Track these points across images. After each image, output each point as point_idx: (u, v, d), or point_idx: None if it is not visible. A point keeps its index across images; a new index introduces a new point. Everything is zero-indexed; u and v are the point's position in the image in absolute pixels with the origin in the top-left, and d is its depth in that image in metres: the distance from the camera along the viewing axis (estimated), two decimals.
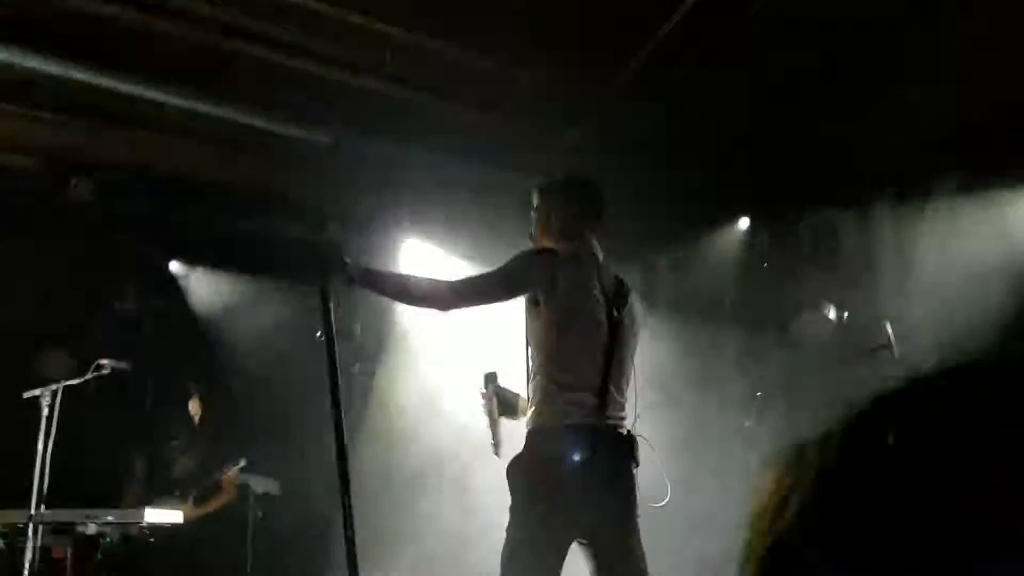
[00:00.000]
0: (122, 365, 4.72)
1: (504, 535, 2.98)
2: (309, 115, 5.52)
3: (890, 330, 4.92)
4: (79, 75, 4.81)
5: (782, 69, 4.97)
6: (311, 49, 4.96)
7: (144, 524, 4.54)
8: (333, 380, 2.95)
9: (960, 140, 4.84)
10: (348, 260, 3.01)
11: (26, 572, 4.31)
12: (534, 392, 3.11)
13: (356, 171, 6.24)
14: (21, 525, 4.36)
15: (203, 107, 5.25)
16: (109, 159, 5.57)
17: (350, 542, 2.80)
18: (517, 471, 3.03)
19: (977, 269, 4.81)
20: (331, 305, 3.01)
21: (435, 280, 3.16)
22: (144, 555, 4.88)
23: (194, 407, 5.90)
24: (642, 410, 3.20)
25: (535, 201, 3.36)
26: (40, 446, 4.37)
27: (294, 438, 5.65)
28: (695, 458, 5.41)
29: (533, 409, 3.08)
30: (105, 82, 4.77)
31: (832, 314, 4.94)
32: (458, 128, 5.77)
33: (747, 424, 5.40)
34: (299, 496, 5.70)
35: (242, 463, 5.62)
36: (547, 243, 3.25)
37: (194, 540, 5.31)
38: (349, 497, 2.85)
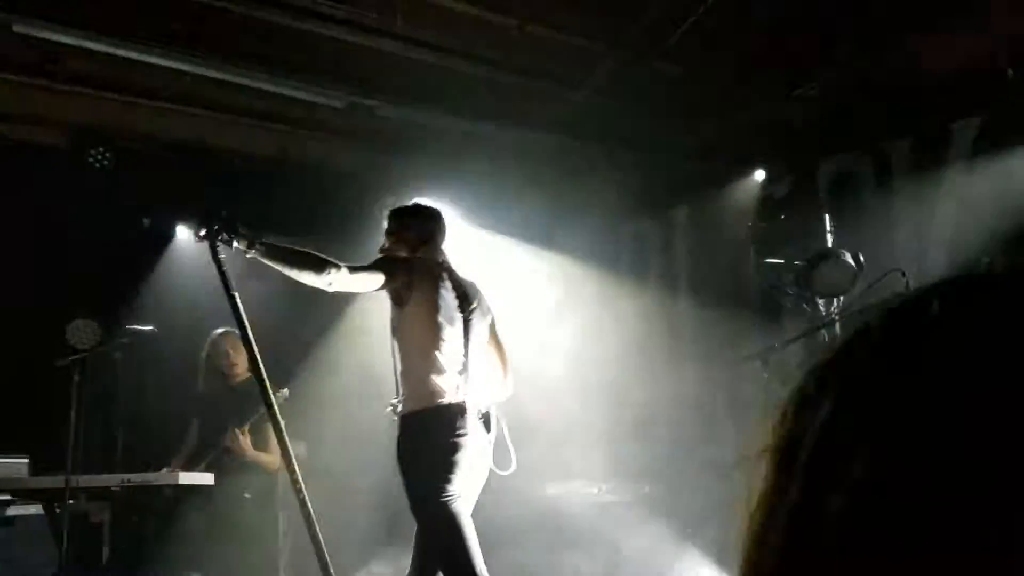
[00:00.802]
0: (149, 329, 4.76)
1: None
2: (321, 79, 5.50)
3: (908, 280, 4.93)
4: (95, 46, 4.81)
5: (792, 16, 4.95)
6: (320, 11, 4.94)
7: (178, 485, 4.59)
8: (244, 333, 3.20)
9: (979, 86, 4.81)
10: (242, 229, 3.21)
11: (64, 537, 4.38)
12: (404, 382, 3.53)
13: (368, 135, 6.22)
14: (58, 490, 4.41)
15: (215, 73, 5.24)
16: (127, 129, 5.57)
17: (296, 484, 3.11)
18: (400, 454, 3.48)
19: (992, 220, 4.80)
20: (224, 266, 3.18)
21: (327, 259, 3.37)
22: (177, 518, 4.94)
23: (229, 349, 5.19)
24: None
25: (389, 223, 3.81)
26: (72, 414, 4.42)
27: (316, 401, 5.66)
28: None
29: (404, 396, 3.51)
30: (122, 52, 4.76)
31: (852, 264, 4.94)
32: (470, 87, 5.75)
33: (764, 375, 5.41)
34: (327, 460, 5.72)
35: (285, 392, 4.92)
36: (403, 254, 3.70)
37: (225, 503, 5.35)
38: (289, 452, 3.15)
